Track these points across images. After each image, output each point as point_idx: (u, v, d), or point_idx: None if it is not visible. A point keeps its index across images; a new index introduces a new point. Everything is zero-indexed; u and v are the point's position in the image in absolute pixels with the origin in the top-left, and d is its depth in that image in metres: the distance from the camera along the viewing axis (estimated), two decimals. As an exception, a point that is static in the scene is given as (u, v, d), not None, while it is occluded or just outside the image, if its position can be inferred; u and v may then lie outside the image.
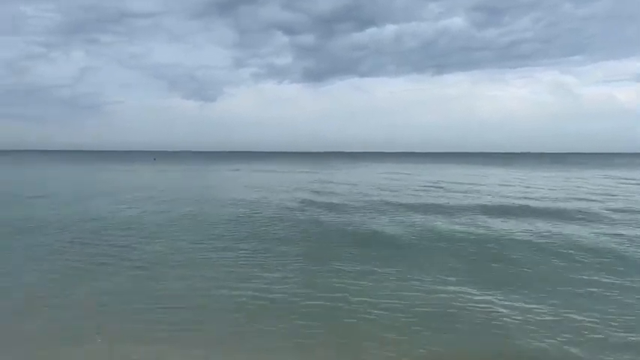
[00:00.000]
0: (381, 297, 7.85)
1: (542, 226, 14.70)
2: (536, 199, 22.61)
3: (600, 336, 6.40)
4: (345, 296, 7.83)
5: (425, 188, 28.78)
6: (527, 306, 7.46)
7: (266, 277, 8.97)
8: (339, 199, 22.50)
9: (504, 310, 7.24)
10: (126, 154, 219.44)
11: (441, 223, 15.16)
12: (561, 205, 20.07)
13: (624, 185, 32.00)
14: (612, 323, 6.82)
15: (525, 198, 23.14)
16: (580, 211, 17.95)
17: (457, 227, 14.50)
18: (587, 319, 6.93)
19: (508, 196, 23.78)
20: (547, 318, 7.01)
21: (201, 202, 20.91)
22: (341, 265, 9.88)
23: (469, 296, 7.87)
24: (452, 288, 8.33)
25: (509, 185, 32.08)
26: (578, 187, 30.65)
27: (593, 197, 23.22)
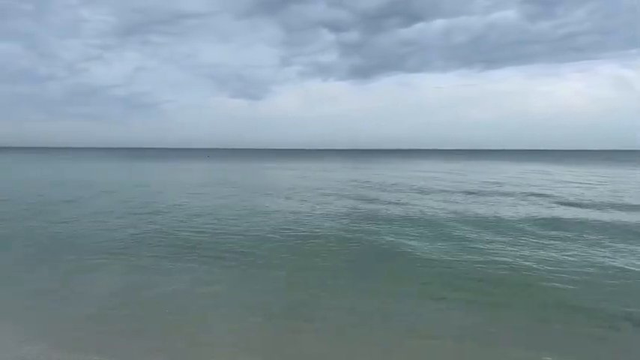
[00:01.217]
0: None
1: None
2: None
3: None
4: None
5: (495, 190, 28.57)
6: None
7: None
8: (402, 198, 23.11)
9: None
10: (179, 151, 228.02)
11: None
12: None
13: None
14: None
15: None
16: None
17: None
18: None
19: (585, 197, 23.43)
20: None
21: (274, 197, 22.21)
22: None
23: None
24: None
25: (570, 183, 31.38)
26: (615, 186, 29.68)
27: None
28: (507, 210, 18.02)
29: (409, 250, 11.15)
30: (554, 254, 10.91)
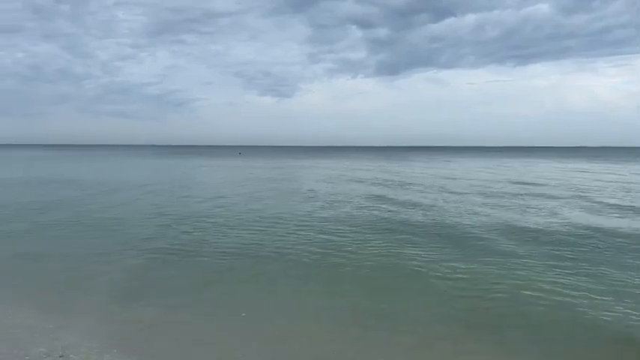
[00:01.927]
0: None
1: None
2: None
3: None
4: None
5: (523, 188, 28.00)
6: None
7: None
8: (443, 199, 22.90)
9: None
10: (210, 148, 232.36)
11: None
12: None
13: None
14: None
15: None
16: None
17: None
18: None
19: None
20: None
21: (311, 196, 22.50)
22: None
23: None
24: None
25: (612, 183, 30.28)
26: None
27: None
28: (547, 216, 16.19)
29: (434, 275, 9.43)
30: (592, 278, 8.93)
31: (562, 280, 8.79)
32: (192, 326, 6.79)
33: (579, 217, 16.13)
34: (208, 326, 6.83)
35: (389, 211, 17.59)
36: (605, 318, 7.01)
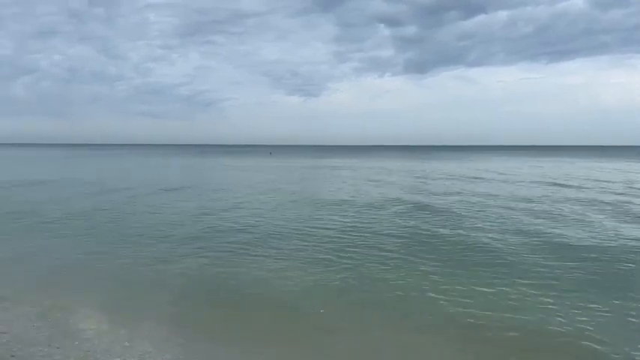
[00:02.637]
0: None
1: None
2: None
3: None
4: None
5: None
6: None
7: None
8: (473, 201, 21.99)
9: None
10: (240, 147, 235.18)
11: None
12: None
13: None
14: None
15: None
16: None
17: None
18: None
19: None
20: None
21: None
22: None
23: None
24: None
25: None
26: None
27: None
28: (582, 230, 13.42)
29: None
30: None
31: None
32: (262, 331, 6.44)
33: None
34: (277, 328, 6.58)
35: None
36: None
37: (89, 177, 34.03)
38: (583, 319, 6.80)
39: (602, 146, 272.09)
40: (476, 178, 33.82)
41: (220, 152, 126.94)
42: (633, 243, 11.68)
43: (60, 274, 9.26)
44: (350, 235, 12.76)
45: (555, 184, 27.84)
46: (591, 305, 7.31)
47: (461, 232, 13.10)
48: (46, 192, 23.36)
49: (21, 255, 10.65)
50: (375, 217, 15.80)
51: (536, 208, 17.55)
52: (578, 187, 25.95)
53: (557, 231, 13.17)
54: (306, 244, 11.67)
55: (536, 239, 12.08)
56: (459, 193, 22.97)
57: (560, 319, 6.82)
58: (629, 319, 6.85)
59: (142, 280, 8.82)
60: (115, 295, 8.00)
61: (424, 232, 13.09)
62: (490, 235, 12.64)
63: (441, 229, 13.47)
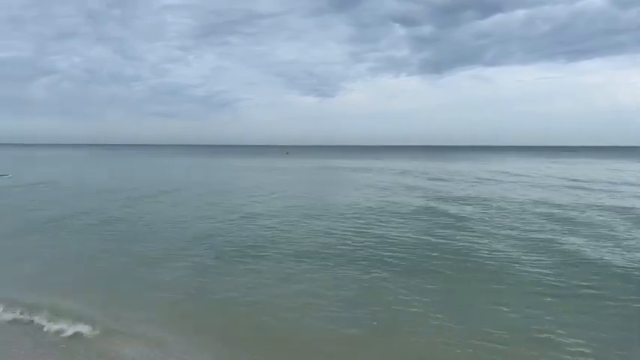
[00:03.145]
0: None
1: None
2: None
3: None
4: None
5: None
6: None
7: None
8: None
9: None
10: (256, 148, 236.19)
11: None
12: None
13: None
14: None
15: None
16: None
17: None
18: None
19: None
20: None
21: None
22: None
23: None
24: None
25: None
26: None
27: None
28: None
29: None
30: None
31: None
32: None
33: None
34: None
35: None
36: None
37: (100, 178, 34.57)
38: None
39: (619, 147, 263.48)
40: (507, 181, 32.88)
41: (237, 153, 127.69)
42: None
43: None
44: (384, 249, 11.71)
45: (579, 188, 26.19)
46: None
47: (506, 250, 11.29)
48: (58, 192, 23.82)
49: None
50: (401, 226, 14.35)
51: (565, 216, 16.06)
52: (603, 191, 24.33)
53: (591, 247, 11.57)
54: (326, 261, 11.00)
55: (572, 258, 10.53)
56: (489, 200, 20.88)
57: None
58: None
59: (186, 285, 8.80)
60: (167, 299, 8.07)
61: (448, 247, 11.85)
62: (527, 254, 10.82)
63: (473, 244, 11.90)
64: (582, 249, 11.42)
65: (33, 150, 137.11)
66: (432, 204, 19.71)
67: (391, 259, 10.48)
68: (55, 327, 6.55)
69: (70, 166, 54.22)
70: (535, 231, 13.68)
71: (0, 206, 19.04)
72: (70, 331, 6.41)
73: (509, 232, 13.59)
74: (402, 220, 15.57)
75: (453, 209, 18.11)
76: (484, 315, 7.22)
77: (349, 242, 12.29)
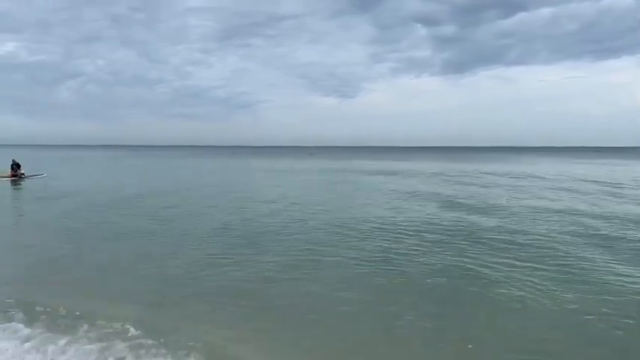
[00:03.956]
0: None
1: None
2: None
3: None
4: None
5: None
6: None
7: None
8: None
9: None
10: (278, 149, 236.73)
11: None
12: None
13: None
14: None
15: None
16: None
17: None
18: None
19: None
20: None
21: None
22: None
23: None
24: None
25: None
26: None
27: None
28: None
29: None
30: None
31: None
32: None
33: None
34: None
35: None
36: None
37: (136, 179, 34.77)
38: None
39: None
40: (549, 186, 31.77)
41: (262, 154, 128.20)
42: None
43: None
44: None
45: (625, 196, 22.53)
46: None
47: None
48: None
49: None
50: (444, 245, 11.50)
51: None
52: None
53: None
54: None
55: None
56: (540, 211, 18.55)
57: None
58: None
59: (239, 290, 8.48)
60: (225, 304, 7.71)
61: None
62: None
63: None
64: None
65: (60, 151, 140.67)
66: (472, 216, 17.03)
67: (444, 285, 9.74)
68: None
69: (103, 166, 55.15)
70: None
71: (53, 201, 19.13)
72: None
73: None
74: (442, 238, 12.72)
75: (498, 222, 15.12)
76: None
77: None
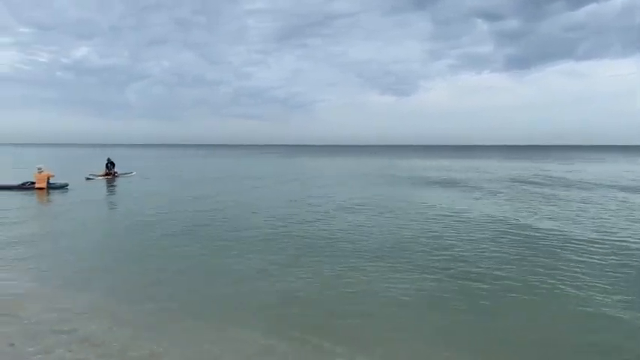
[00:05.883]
0: None
1: None
2: None
3: None
4: None
5: None
6: None
7: None
8: None
9: None
10: (338, 148, 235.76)
11: None
12: None
13: None
14: None
15: None
16: None
17: None
18: None
19: None
20: None
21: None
22: None
23: None
24: None
25: None
26: None
27: None
28: None
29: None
30: None
31: None
32: None
33: None
34: None
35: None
36: None
37: (216, 174, 34.60)
38: None
39: None
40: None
41: (324, 152, 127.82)
42: None
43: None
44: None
45: None
46: None
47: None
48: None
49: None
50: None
51: None
52: None
53: None
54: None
55: None
56: None
57: None
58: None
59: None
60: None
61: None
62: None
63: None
64: None
65: (130, 150, 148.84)
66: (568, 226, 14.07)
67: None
68: None
69: (178, 163, 56.54)
70: None
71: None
72: None
73: None
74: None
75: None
76: None
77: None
